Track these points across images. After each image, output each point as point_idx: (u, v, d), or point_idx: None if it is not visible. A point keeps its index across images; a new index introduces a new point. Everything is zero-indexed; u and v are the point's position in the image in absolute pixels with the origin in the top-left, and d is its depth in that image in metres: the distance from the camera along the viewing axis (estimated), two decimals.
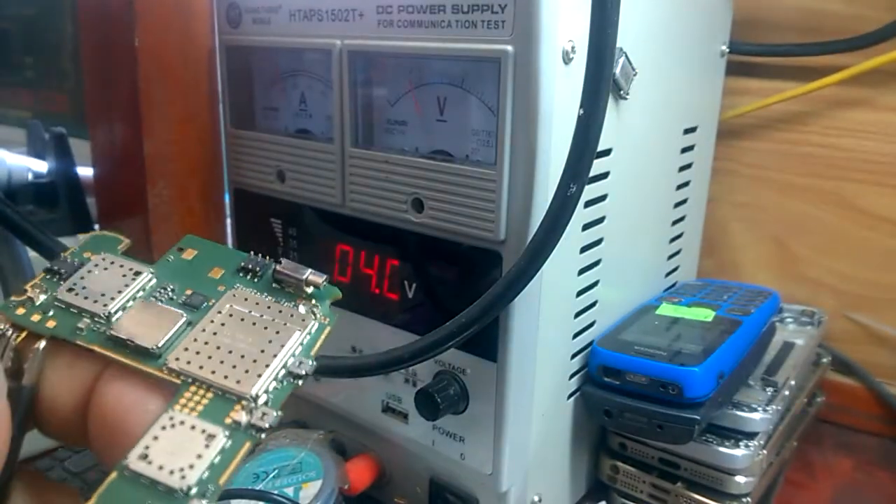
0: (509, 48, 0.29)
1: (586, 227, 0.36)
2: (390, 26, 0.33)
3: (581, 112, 0.28)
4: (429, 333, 0.31)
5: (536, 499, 0.38)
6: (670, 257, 0.48)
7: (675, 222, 0.47)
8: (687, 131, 0.45)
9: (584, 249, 0.36)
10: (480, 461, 0.35)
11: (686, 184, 0.47)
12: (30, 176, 0.45)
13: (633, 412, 0.37)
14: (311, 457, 0.39)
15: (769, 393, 0.42)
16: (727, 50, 0.48)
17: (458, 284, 0.34)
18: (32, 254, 0.39)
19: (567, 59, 0.30)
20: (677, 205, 0.47)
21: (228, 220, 0.44)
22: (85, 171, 0.46)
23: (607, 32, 0.26)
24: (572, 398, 0.39)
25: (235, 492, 0.35)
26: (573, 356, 0.38)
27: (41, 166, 0.45)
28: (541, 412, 0.36)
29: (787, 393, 0.42)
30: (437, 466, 0.38)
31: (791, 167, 0.52)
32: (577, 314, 0.38)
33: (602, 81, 0.27)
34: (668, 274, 0.49)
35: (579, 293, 0.37)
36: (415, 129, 0.34)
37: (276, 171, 0.40)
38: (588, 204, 0.36)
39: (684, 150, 0.46)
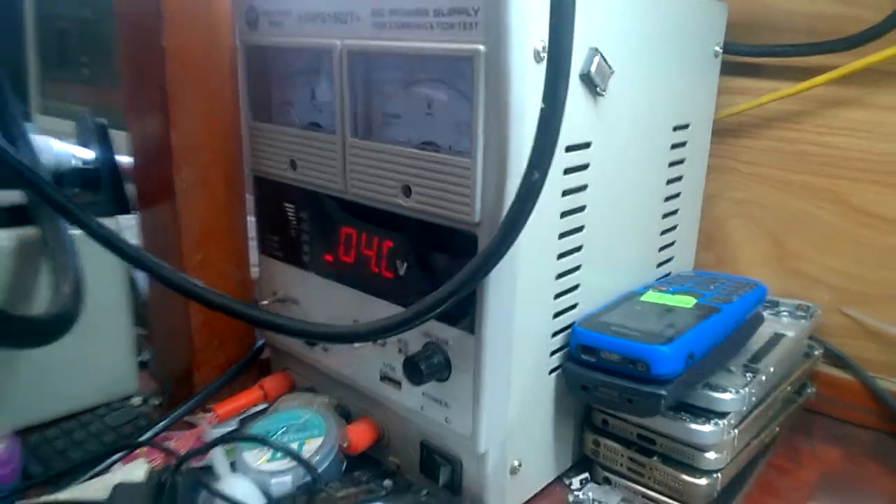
0: (481, 47, 0.32)
1: (565, 214, 0.39)
2: (383, 28, 0.36)
3: (542, 107, 0.31)
4: (412, 306, 0.35)
5: (516, 463, 0.41)
6: (662, 248, 0.51)
7: (666, 215, 0.50)
8: (677, 128, 0.48)
9: (563, 235, 0.39)
10: (462, 424, 0.39)
11: (678, 178, 0.50)
12: (75, 162, 0.50)
13: (607, 387, 0.40)
14: (316, 417, 0.43)
15: (748, 378, 0.44)
16: (721, 51, 0.50)
17: (440, 264, 0.37)
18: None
19: (539, 57, 0.33)
20: (669, 198, 0.49)
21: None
22: (126, 160, 0.51)
23: (563, 34, 0.29)
24: (554, 374, 0.42)
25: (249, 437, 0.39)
26: (554, 334, 0.41)
27: (87, 154, 0.50)
28: (520, 383, 0.39)
29: (764, 378, 0.44)
30: (427, 430, 0.42)
31: (787, 165, 0.54)
32: (558, 295, 0.41)
33: (560, 79, 0.30)
34: (661, 264, 0.51)
35: (559, 276, 0.40)
36: (407, 122, 0.38)
37: (290, 160, 0.44)
38: (567, 193, 0.39)
39: (675, 146, 0.48)
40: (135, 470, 0.41)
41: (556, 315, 0.41)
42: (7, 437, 0.42)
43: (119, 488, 0.35)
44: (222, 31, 0.44)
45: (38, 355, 0.46)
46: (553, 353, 0.42)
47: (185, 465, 0.38)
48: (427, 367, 0.38)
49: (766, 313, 0.53)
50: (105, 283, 0.48)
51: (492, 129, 0.33)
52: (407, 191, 0.37)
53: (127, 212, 0.50)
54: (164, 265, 0.39)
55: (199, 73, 0.44)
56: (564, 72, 0.30)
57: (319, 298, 0.46)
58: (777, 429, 0.48)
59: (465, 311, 0.36)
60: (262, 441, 0.39)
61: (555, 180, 0.37)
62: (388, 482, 0.43)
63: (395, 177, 0.38)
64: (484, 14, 0.32)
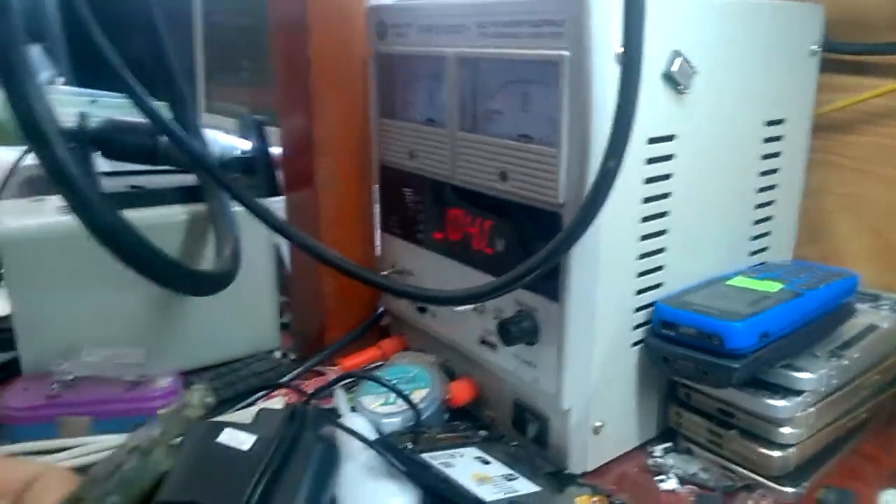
0: (566, 53, 0.37)
1: (648, 200, 0.43)
2: (486, 38, 0.42)
3: (618, 103, 0.35)
4: (504, 275, 0.41)
5: (598, 423, 0.45)
6: (756, 238, 0.53)
7: (759, 206, 0.52)
8: (771, 123, 0.50)
9: (646, 219, 0.44)
10: (548, 384, 0.44)
11: (773, 171, 0.52)
12: (237, 152, 0.60)
13: (684, 359, 0.43)
14: (423, 372, 0.50)
15: (831, 362, 0.46)
16: (818, 49, 0.51)
17: (531, 240, 0.43)
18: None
19: (619, 60, 0.38)
20: (762, 189, 0.52)
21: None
22: (276, 151, 0.60)
23: (633, 41, 0.34)
24: (637, 347, 0.46)
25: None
26: (637, 310, 0.46)
27: (246, 145, 0.60)
28: (602, 351, 0.44)
29: (847, 363, 0.46)
30: (519, 389, 0.47)
31: (892, 160, 0.54)
32: (641, 274, 0.45)
33: (632, 80, 0.35)
34: (755, 253, 0.54)
35: (642, 256, 0.44)
36: (506, 117, 0.44)
37: (409, 151, 0.51)
38: (650, 181, 0.43)
39: (768, 140, 0.51)
40: (274, 404, 0.50)
41: (640, 292, 0.45)
42: (173, 374, 0.52)
43: (261, 412, 0.43)
44: (357, 40, 0.52)
45: (201, 310, 0.56)
46: (637, 327, 0.46)
47: (314, 401, 0.46)
48: (517, 331, 0.43)
49: (866, 306, 0.54)
50: (256, 254, 0.58)
51: (575, 123, 0.38)
52: (504, 176, 0.43)
53: (276, 195, 0.59)
54: (308, 237, 0.47)
55: (337, 77, 0.52)
56: (636, 71, 0.35)
57: (430, 270, 0.52)
58: (865, 415, 0.50)
59: (551, 282, 0.42)
60: (375, 380, 0.46)
61: (637, 169, 0.42)
62: (483, 432, 0.49)
63: (494, 164, 0.44)
64: (569, 25, 0.37)
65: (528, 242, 0.43)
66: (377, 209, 0.57)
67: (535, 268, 0.39)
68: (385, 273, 0.55)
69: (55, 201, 0.57)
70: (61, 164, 0.38)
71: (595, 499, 0.42)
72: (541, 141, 0.41)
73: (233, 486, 0.37)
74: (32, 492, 0.29)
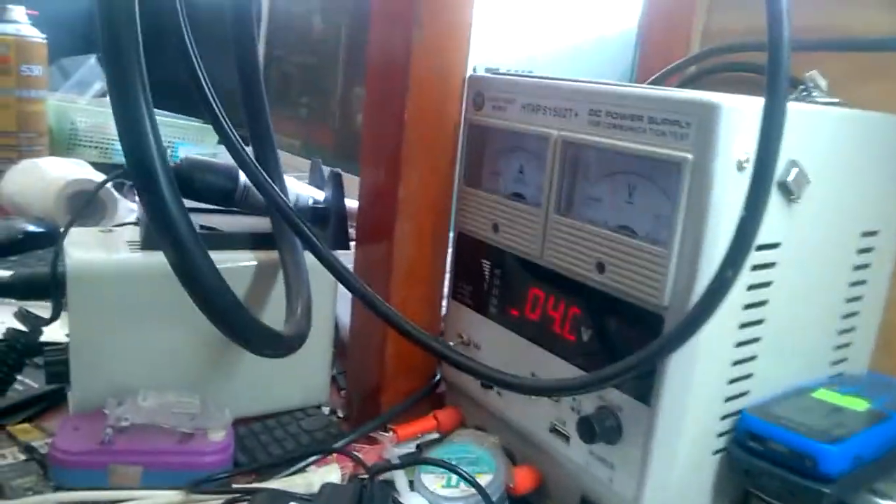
0: (689, 156, 0.36)
1: (748, 307, 0.42)
2: (597, 126, 0.41)
3: (743, 214, 0.34)
4: (595, 371, 0.39)
5: None
6: (838, 348, 0.51)
7: (845, 316, 0.50)
8: (865, 234, 0.49)
9: (743, 326, 0.42)
10: (625, 487, 0.42)
11: (861, 282, 0.50)
12: (310, 201, 0.59)
13: (770, 476, 0.41)
14: (486, 455, 0.48)
15: None
16: None
17: (623, 336, 0.41)
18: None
19: (741, 167, 0.37)
20: (850, 300, 0.50)
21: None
22: (350, 202, 0.59)
23: (769, 152, 0.33)
24: (717, 455, 0.45)
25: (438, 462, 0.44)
26: (723, 417, 0.44)
27: (319, 195, 0.59)
28: (685, 458, 0.42)
29: None
30: (588, 485, 0.45)
31: None
32: (731, 381, 0.43)
33: (762, 190, 0.34)
34: (836, 363, 0.52)
35: (735, 363, 0.43)
36: (607, 206, 0.42)
37: (493, 223, 0.50)
38: (752, 287, 0.41)
39: (861, 252, 0.49)
40: (330, 473, 0.48)
41: (728, 399, 0.43)
42: (228, 425, 0.50)
43: (326, 486, 0.41)
44: (453, 107, 0.51)
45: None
46: (720, 434, 0.44)
47: (374, 476, 0.44)
48: (601, 429, 0.42)
49: None
50: (318, 307, 0.56)
51: (689, 226, 0.37)
52: (601, 267, 0.42)
53: (346, 248, 0.58)
54: (379, 297, 0.46)
55: (428, 140, 0.51)
56: (767, 185, 0.34)
57: (500, 346, 0.51)
58: None
59: (644, 384, 0.40)
60: (450, 468, 0.44)
61: (742, 275, 0.40)
62: None
63: (591, 253, 0.42)
64: (695, 128, 0.36)
65: (620, 339, 0.42)
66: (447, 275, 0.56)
67: (632, 368, 0.38)
68: (451, 344, 0.54)
69: (123, 233, 0.56)
70: (166, 207, 0.38)
71: None
72: (646, 237, 0.40)
73: None
74: None
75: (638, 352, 0.38)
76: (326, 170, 0.63)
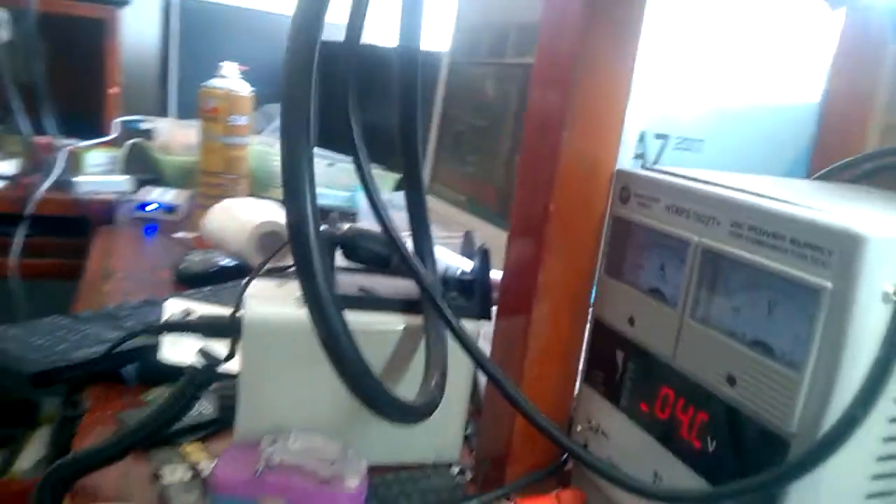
0: (829, 284, 0.36)
1: (888, 440, 0.39)
2: (739, 238, 0.41)
3: (879, 353, 0.33)
4: (714, 489, 0.39)
5: None
6: None
7: None
8: None
9: (882, 459, 0.40)
10: None
11: None
12: (458, 272, 0.63)
13: None
14: None
15: None
16: None
17: (748, 455, 0.41)
18: None
19: (887, 299, 0.35)
20: None
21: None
22: (496, 274, 0.63)
23: None
24: None
25: None
26: None
27: (468, 266, 0.63)
28: None
29: None
30: None
31: None
32: None
33: None
34: None
35: (869, 497, 0.40)
36: (745, 317, 0.42)
37: (629, 316, 0.51)
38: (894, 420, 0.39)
39: None
40: None
41: None
42: (363, 474, 0.55)
43: None
44: (599, 199, 0.53)
45: None
46: None
47: None
48: None
49: None
50: (457, 367, 0.60)
51: (825, 354, 0.36)
52: (732, 380, 0.42)
53: (488, 318, 0.61)
54: (504, 377, 0.48)
55: (573, 229, 0.53)
56: None
57: (627, 439, 0.51)
58: None
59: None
60: None
61: (885, 407, 0.38)
62: None
63: (723, 365, 0.42)
64: (837, 257, 0.35)
65: (744, 456, 0.41)
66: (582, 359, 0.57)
67: (751, 490, 0.37)
68: (579, 428, 0.55)
69: (295, 288, 0.63)
70: (317, 288, 0.43)
71: None
72: (782, 357, 0.39)
73: None
74: None
75: (760, 475, 0.37)
76: (478, 239, 0.67)
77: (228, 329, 0.58)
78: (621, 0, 0.49)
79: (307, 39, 0.42)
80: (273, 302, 0.58)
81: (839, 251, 0.35)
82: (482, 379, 0.66)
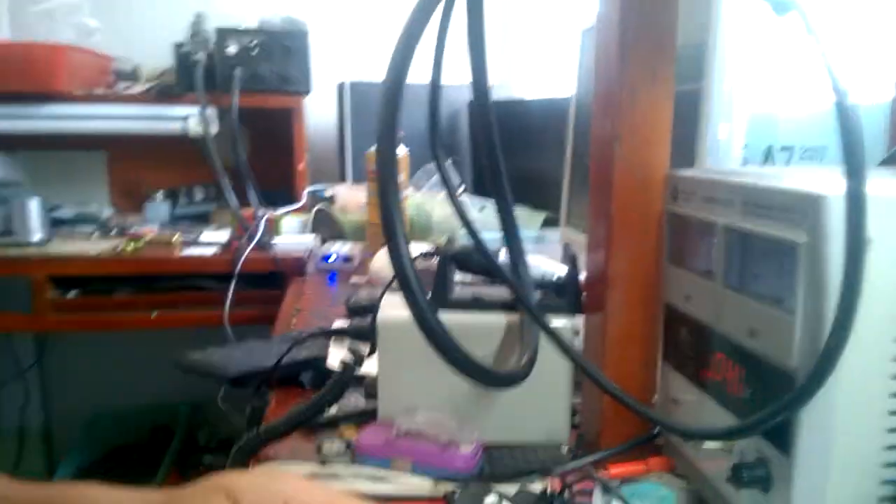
0: (804, 239, 0.43)
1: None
2: (747, 215, 0.49)
3: (842, 288, 0.40)
4: (737, 423, 0.47)
5: None
6: None
7: None
8: None
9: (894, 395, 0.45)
10: None
11: None
12: (554, 276, 0.73)
13: None
14: (671, 495, 0.56)
15: None
16: None
17: (768, 394, 0.47)
18: None
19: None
20: None
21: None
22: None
23: (855, 237, 0.39)
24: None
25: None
26: (887, 465, 0.45)
27: (562, 270, 0.74)
28: None
29: None
30: None
31: None
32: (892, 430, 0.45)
33: (856, 267, 0.39)
34: None
35: (892, 430, 0.45)
36: (766, 281, 0.49)
37: (686, 294, 0.59)
38: None
39: None
40: (533, 487, 0.61)
41: (891, 448, 0.45)
42: (475, 442, 0.66)
43: (520, 491, 0.54)
44: (656, 199, 0.62)
45: (507, 397, 0.70)
46: (886, 482, 0.46)
47: (569, 492, 0.56)
48: (749, 476, 0.48)
49: None
50: (558, 360, 0.70)
51: (810, 298, 0.43)
52: (753, 333, 0.49)
53: (580, 313, 0.71)
54: (585, 361, 0.58)
55: (634, 227, 0.63)
56: (859, 263, 0.39)
57: (695, 405, 0.58)
58: None
59: (783, 436, 0.46)
60: (619, 497, 0.54)
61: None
62: None
63: (747, 321, 0.50)
64: (807, 215, 0.43)
65: (765, 396, 0.48)
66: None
67: (761, 422, 0.45)
68: (656, 398, 0.63)
69: None
70: (407, 276, 0.56)
71: None
72: (785, 307, 0.46)
73: None
74: None
75: (769, 406, 0.44)
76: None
77: (368, 333, 0.74)
78: (651, 42, 0.60)
79: (390, 102, 0.56)
80: (399, 308, 0.73)
81: (807, 210, 0.43)
82: None
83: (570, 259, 0.72)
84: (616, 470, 0.63)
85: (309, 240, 1.82)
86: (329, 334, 0.81)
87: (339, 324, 1.01)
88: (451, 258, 0.75)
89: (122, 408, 2.21)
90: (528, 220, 1.63)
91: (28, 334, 2.26)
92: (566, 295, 0.72)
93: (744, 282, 0.51)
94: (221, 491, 0.40)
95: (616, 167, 0.61)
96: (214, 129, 1.87)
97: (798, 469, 0.45)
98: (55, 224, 1.95)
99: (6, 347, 2.26)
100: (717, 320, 0.54)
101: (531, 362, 0.65)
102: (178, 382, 1.74)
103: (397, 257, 0.55)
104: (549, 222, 1.62)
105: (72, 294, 1.73)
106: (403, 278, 0.56)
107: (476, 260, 0.74)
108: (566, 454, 0.71)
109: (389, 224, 0.55)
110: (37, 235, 1.76)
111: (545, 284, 0.73)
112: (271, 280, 1.73)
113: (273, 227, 1.83)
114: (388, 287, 0.76)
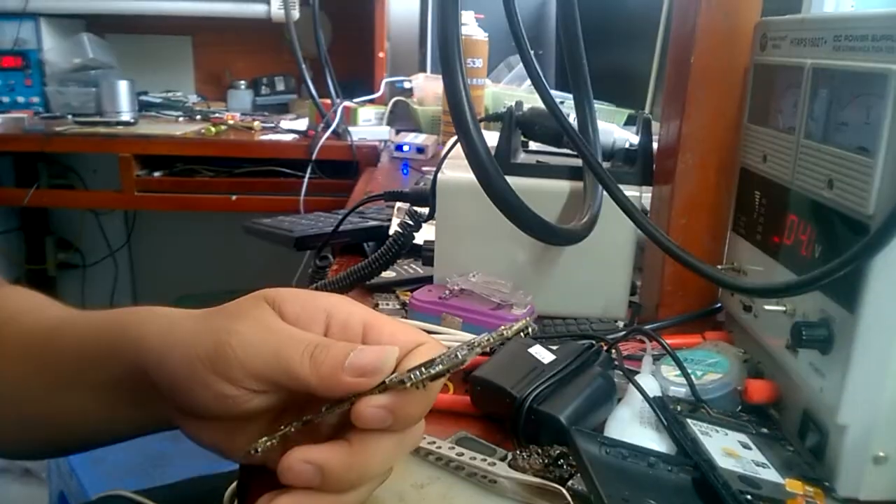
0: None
1: None
2: (838, 51, 0.44)
3: None
4: (800, 277, 0.43)
5: (881, 454, 0.43)
6: None
7: None
8: None
9: None
10: (831, 395, 0.44)
11: None
12: (627, 144, 0.70)
13: None
14: (724, 361, 0.54)
15: None
16: None
17: (841, 248, 0.44)
18: None
19: None
20: None
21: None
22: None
23: None
24: None
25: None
26: None
27: (634, 139, 0.70)
28: None
29: None
30: (809, 397, 0.48)
31: None
32: None
33: None
34: None
35: None
36: (851, 130, 0.44)
37: (763, 154, 0.54)
38: None
39: None
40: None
41: None
42: (528, 304, 0.65)
43: (566, 343, 0.53)
44: (742, 53, 0.57)
45: (565, 267, 0.68)
46: None
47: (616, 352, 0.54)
48: (808, 335, 0.44)
49: None
50: (622, 227, 0.67)
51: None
52: (830, 184, 0.45)
53: (649, 184, 0.68)
54: (651, 224, 0.55)
55: (715, 82, 0.58)
56: None
57: (763, 274, 0.55)
58: None
59: (848, 292, 0.42)
60: (671, 354, 0.52)
61: None
62: (765, 430, 0.50)
63: (825, 172, 0.45)
64: None
65: (838, 250, 0.44)
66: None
67: (828, 274, 0.41)
68: (719, 267, 0.59)
69: None
70: (472, 142, 0.54)
71: None
72: (871, 153, 0.42)
73: (527, 381, 0.49)
74: (422, 348, 0.43)
75: (842, 257, 0.41)
76: None
77: (428, 196, 0.73)
78: None
79: None
80: (457, 170, 0.71)
81: None
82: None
83: (645, 125, 0.68)
84: (672, 341, 0.61)
85: (384, 130, 1.82)
86: (391, 196, 0.81)
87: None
88: (517, 122, 0.72)
89: (205, 294, 2.33)
90: (610, 117, 1.56)
91: (118, 218, 2.39)
92: (637, 163, 0.68)
93: (827, 133, 0.47)
94: (264, 299, 0.40)
95: (701, 13, 0.56)
96: (296, 14, 1.86)
97: (864, 327, 0.42)
98: (143, 108, 2.02)
99: (97, 229, 2.40)
100: (793, 177, 0.50)
101: (592, 222, 0.62)
102: (258, 270, 1.80)
103: (455, 96, 0.53)
104: (633, 121, 1.56)
105: (157, 174, 1.80)
106: (461, 121, 0.54)
107: (542, 125, 0.71)
108: (620, 328, 0.69)
109: (453, 74, 0.53)
110: (126, 116, 1.82)
111: (615, 152, 0.70)
112: (346, 169, 1.75)
113: (350, 117, 1.83)
114: (448, 151, 0.74)
